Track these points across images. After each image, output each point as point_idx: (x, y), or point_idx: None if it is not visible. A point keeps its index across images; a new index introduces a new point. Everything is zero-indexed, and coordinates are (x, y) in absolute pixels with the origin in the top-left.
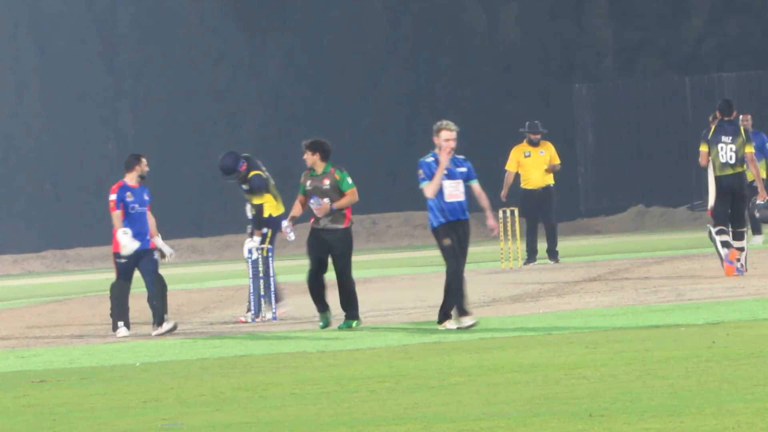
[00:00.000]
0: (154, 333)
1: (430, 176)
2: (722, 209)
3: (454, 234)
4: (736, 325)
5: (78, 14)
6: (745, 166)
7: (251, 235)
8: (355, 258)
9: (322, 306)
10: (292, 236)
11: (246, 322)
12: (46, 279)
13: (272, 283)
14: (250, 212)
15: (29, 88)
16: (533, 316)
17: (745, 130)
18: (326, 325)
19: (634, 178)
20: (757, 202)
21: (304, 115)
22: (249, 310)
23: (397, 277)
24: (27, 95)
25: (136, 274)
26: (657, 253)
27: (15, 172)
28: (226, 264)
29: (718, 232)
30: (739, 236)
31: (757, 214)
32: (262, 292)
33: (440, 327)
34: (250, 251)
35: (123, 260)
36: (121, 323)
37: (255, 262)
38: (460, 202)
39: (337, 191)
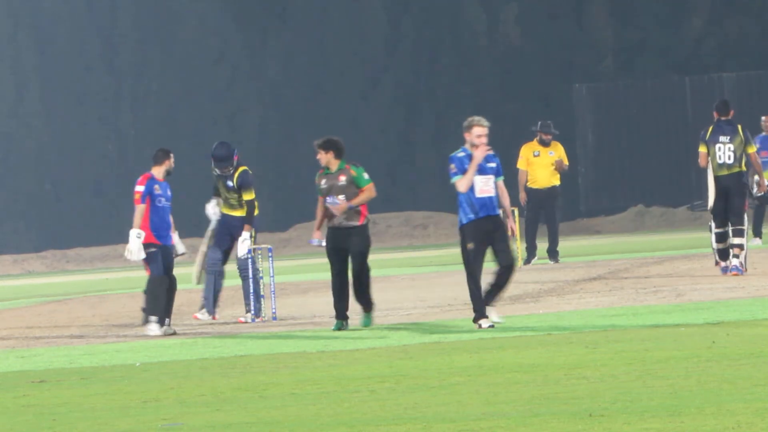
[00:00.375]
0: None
1: (462, 171)
2: (719, 208)
3: (480, 236)
4: (736, 325)
5: (78, 14)
6: (744, 166)
7: (212, 238)
8: None
9: (341, 314)
10: (323, 243)
11: (246, 322)
12: (46, 279)
13: (252, 285)
14: (213, 211)
15: (29, 88)
16: (533, 316)
17: (744, 130)
18: (339, 329)
19: (634, 178)
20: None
21: (304, 115)
22: (248, 310)
23: (397, 277)
24: (27, 95)
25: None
26: (657, 253)
27: (15, 172)
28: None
29: (718, 239)
30: (738, 233)
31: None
32: (261, 293)
33: (475, 326)
34: (249, 251)
35: (153, 249)
36: (154, 318)
37: (254, 262)
38: (491, 198)
39: (353, 187)
